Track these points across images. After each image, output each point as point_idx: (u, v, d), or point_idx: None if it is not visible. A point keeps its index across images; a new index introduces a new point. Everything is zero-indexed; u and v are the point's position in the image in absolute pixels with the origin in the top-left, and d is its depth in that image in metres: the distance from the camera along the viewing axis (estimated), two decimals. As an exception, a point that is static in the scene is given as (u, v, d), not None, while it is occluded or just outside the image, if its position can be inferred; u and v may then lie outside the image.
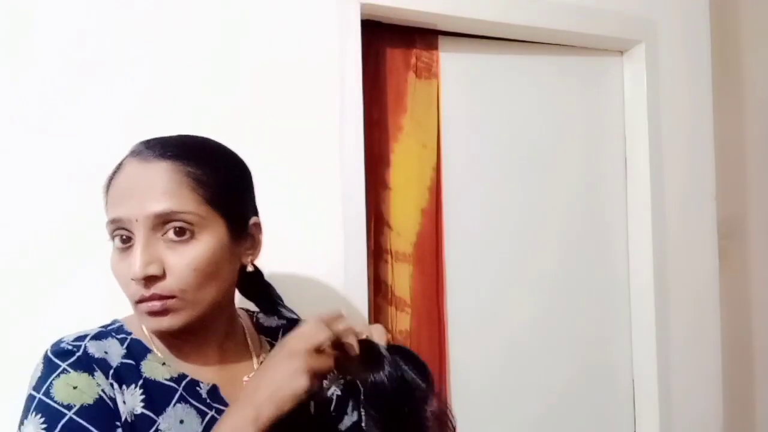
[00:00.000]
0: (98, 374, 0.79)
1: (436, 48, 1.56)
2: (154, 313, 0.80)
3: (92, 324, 1.14)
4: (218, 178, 0.84)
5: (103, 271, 1.16)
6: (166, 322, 0.80)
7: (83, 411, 0.76)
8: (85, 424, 0.75)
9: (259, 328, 0.98)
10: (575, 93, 1.77)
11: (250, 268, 0.90)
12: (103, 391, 0.78)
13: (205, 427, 0.82)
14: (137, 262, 0.78)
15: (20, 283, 1.12)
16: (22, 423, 0.78)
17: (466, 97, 1.61)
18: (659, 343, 1.75)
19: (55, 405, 0.76)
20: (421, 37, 1.54)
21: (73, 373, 0.78)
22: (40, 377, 0.79)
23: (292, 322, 0.96)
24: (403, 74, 1.52)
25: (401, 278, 1.49)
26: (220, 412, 0.83)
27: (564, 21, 1.64)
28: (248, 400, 0.75)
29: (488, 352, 1.61)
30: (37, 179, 1.14)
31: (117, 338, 0.85)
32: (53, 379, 0.78)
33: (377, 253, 1.47)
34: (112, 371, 0.81)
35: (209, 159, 0.86)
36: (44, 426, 0.75)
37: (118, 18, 1.20)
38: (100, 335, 0.84)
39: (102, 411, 0.77)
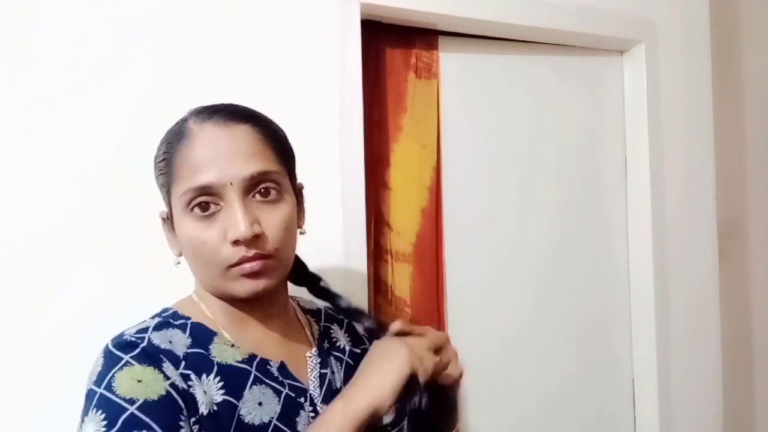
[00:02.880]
0: (167, 365, 0.76)
1: (436, 48, 1.56)
2: (253, 274, 0.79)
3: (92, 323, 1.14)
4: (284, 141, 0.87)
5: (103, 271, 1.17)
6: (263, 284, 0.80)
7: (146, 406, 0.71)
8: (147, 420, 0.70)
9: (303, 310, 0.98)
10: (575, 93, 1.77)
11: (303, 232, 0.90)
12: (172, 384, 0.74)
13: (282, 406, 0.81)
14: (242, 222, 0.76)
15: (20, 283, 1.12)
16: (82, 420, 0.73)
17: (466, 97, 1.61)
18: (659, 343, 1.75)
19: (117, 399, 0.71)
20: (421, 37, 1.54)
21: (137, 366, 0.74)
22: (100, 371, 0.74)
23: (334, 302, 0.96)
24: (403, 74, 1.52)
25: (401, 278, 1.49)
26: (293, 388, 0.83)
27: (564, 21, 1.64)
28: (346, 390, 0.77)
29: (488, 352, 1.60)
30: (37, 179, 1.14)
31: (177, 326, 0.82)
32: (115, 372, 0.73)
33: (377, 253, 1.47)
34: (182, 362, 0.77)
35: (271, 123, 0.87)
36: (104, 422, 0.70)
37: (118, 18, 1.20)
38: (160, 325, 0.81)
39: (167, 407, 0.73)
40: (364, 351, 0.95)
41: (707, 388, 1.85)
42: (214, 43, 1.26)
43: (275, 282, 0.82)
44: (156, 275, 1.19)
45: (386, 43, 1.50)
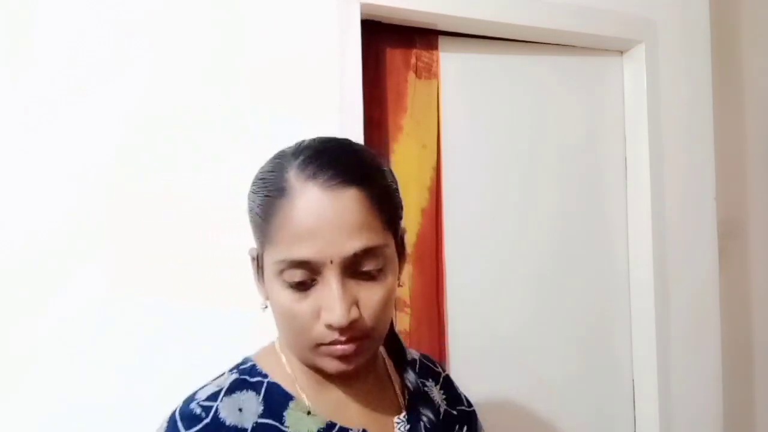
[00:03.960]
0: None
1: (436, 48, 1.56)
2: (344, 357, 0.73)
3: (92, 323, 1.15)
4: (392, 197, 0.78)
5: (103, 271, 1.17)
6: (353, 365, 0.74)
7: None
8: None
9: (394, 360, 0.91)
10: (575, 93, 1.77)
11: (401, 285, 0.81)
12: None
13: None
14: (339, 308, 0.69)
15: (20, 283, 1.12)
16: None
17: (466, 97, 1.61)
18: (659, 343, 1.75)
19: None
20: (421, 37, 1.54)
21: None
22: None
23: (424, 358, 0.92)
24: (403, 74, 1.52)
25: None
26: None
27: (564, 21, 1.64)
28: None
29: (488, 352, 1.60)
30: (37, 179, 1.14)
31: (252, 385, 0.77)
32: None
33: (377, 253, 1.47)
34: None
35: (380, 175, 0.77)
36: None
37: (118, 18, 1.20)
38: (235, 387, 0.76)
39: None
40: (462, 413, 0.92)
41: (707, 388, 1.85)
42: (214, 43, 1.26)
43: (366, 358, 0.76)
44: (156, 275, 1.19)
45: (386, 43, 1.50)
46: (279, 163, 0.75)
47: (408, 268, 1.50)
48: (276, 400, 0.76)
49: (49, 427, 1.11)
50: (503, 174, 1.66)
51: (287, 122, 1.31)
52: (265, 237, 0.74)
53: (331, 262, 0.70)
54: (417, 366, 0.92)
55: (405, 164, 1.50)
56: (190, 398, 0.75)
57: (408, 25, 1.50)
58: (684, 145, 1.84)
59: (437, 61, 1.56)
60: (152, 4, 1.22)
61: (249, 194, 0.78)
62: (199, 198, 1.23)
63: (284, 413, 0.75)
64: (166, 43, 1.23)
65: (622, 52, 1.82)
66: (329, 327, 0.71)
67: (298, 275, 0.71)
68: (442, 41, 1.57)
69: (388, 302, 0.75)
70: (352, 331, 0.71)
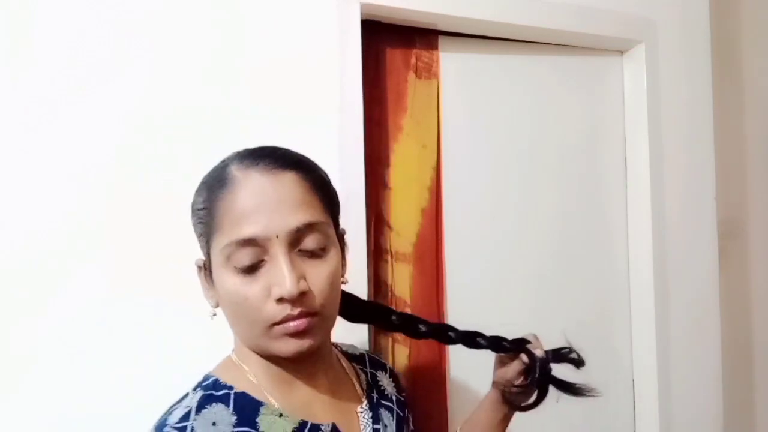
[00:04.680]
0: None
1: (436, 48, 1.56)
2: (298, 334, 0.75)
3: (92, 323, 1.15)
4: (329, 187, 0.83)
5: (103, 271, 1.17)
6: (308, 343, 0.76)
7: None
8: None
9: (346, 357, 0.95)
10: (575, 93, 1.77)
11: (345, 281, 0.85)
12: None
13: None
14: (288, 279, 0.73)
15: (20, 283, 1.12)
16: None
17: (466, 97, 1.61)
18: (659, 342, 1.75)
19: None
20: (421, 37, 1.54)
21: None
22: None
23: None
24: (403, 74, 1.52)
25: (401, 278, 1.49)
26: None
27: (564, 21, 1.64)
28: None
29: (488, 352, 1.60)
30: (37, 179, 1.14)
31: (220, 398, 0.77)
32: None
33: (377, 253, 1.47)
34: None
35: (315, 167, 0.83)
36: None
37: (118, 18, 1.20)
38: (203, 403, 0.76)
39: None
40: (406, 398, 0.96)
41: (707, 388, 1.85)
42: (214, 43, 1.26)
43: (320, 340, 0.79)
44: (156, 275, 1.19)
45: (386, 43, 1.50)
46: (220, 165, 0.81)
47: (408, 268, 1.50)
48: (247, 409, 0.77)
49: (49, 427, 1.11)
50: (503, 174, 1.66)
51: (287, 122, 1.31)
52: (211, 228, 0.77)
53: (277, 237, 0.74)
54: (367, 359, 0.98)
55: (405, 164, 1.50)
56: (162, 424, 0.74)
57: (408, 25, 1.50)
58: (684, 145, 1.84)
59: (437, 61, 1.56)
60: (152, 4, 1.22)
61: (192, 202, 0.82)
62: (199, 198, 1.23)
63: (257, 419, 0.77)
64: (166, 43, 1.23)
65: (622, 52, 1.82)
66: (281, 301, 0.74)
67: (246, 256, 0.74)
68: (442, 41, 1.57)
69: (335, 282, 0.79)
70: (303, 305, 0.75)
